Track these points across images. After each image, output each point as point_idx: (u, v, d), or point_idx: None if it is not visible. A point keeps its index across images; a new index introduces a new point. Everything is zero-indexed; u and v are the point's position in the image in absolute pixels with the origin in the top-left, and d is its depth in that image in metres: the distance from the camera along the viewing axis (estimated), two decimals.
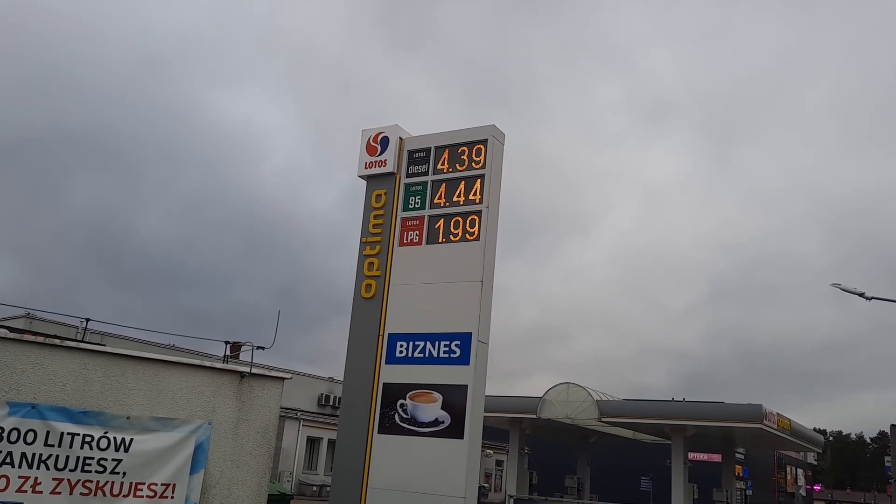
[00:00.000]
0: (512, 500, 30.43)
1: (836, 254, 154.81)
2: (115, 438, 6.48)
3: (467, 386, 9.62)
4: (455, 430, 9.54)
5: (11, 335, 6.23)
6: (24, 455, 6.04)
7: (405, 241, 10.81)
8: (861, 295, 20.01)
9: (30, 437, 6.08)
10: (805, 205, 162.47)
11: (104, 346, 6.94)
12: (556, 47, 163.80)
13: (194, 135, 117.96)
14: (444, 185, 10.77)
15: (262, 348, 7.88)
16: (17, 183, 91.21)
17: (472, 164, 10.60)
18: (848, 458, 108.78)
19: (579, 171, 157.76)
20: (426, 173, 10.97)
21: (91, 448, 6.35)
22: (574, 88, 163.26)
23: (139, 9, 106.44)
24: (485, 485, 43.72)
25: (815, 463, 65.91)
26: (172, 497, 6.76)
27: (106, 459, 6.42)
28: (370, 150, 11.47)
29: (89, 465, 6.33)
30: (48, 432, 6.16)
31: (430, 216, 10.72)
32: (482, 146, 10.57)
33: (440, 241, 10.53)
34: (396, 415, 10.05)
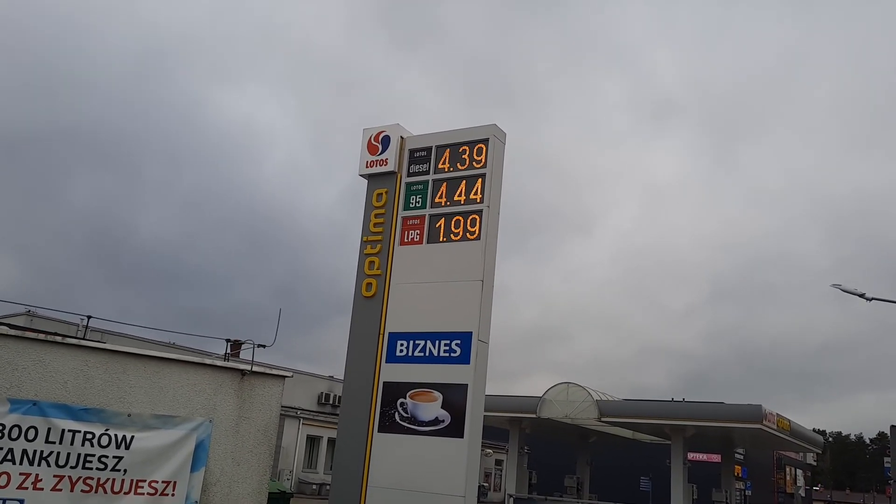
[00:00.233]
0: (511, 499, 30.45)
1: (837, 254, 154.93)
2: (116, 436, 6.49)
3: (467, 385, 9.63)
4: (455, 429, 9.55)
5: (13, 332, 6.24)
6: (25, 452, 6.05)
7: (406, 241, 10.82)
8: (861, 296, 20.02)
9: (31, 434, 6.08)
10: (805, 205, 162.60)
11: (105, 343, 6.95)
12: (558, 46, 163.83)
13: (195, 133, 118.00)
14: (445, 184, 10.78)
15: (263, 346, 7.89)
16: (17, 182, 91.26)
17: (474, 163, 10.60)
18: (847, 458, 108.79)
19: (580, 170, 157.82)
20: (427, 172, 10.98)
21: (92, 445, 6.36)
22: (576, 87, 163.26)
23: (139, 7, 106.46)
24: (484, 484, 43.75)
25: (815, 463, 65.93)
26: (173, 495, 6.77)
27: (107, 457, 6.43)
28: (371, 149, 11.48)
29: (90, 462, 6.34)
30: (49, 429, 6.17)
31: (430, 215, 10.73)
32: (483, 145, 10.58)
33: (441, 240, 10.54)
34: (397, 413, 10.06)
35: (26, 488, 6.02)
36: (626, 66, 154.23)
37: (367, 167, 11.47)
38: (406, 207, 10.99)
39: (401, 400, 10.06)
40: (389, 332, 10.49)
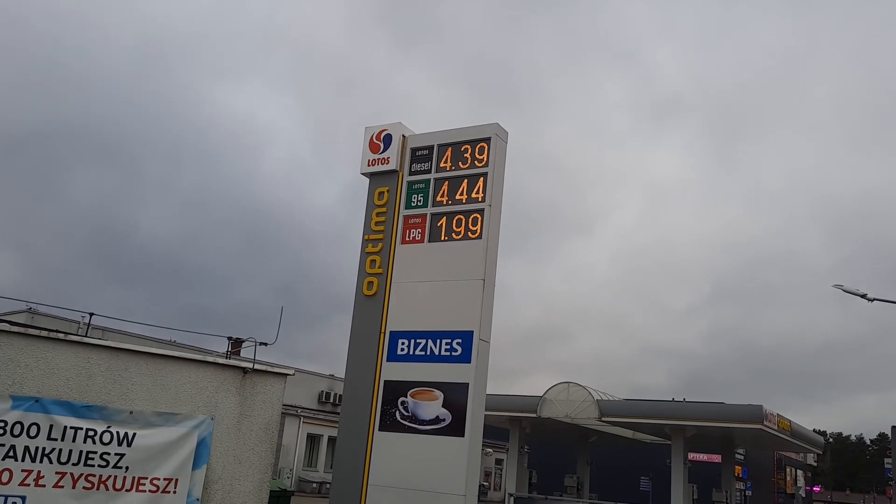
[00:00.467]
0: (511, 498, 30.43)
1: (839, 254, 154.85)
2: (117, 433, 6.50)
3: (468, 384, 9.64)
4: (456, 427, 9.56)
5: (15, 329, 6.26)
6: (27, 449, 6.06)
7: (407, 239, 10.83)
8: (863, 296, 20.00)
9: (33, 431, 6.09)
10: (807, 204, 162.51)
11: (106, 341, 6.96)
12: (559, 45, 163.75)
13: (196, 131, 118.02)
14: (446, 183, 10.78)
15: (265, 344, 7.89)
16: (18, 179, 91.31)
17: (475, 162, 10.61)
18: (848, 459, 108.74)
19: (582, 169, 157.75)
20: (429, 171, 10.99)
21: (94, 442, 6.37)
22: (577, 86, 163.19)
23: (141, 4, 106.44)
24: (484, 483, 43.77)
25: (815, 464, 65.89)
26: (175, 492, 6.78)
27: (109, 454, 6.44)
28: (373, 147, 11.49)
29: (92, 459, 6.35)
30: (51, 426, 6.18)
31: (432, 214, 10.74)
32: (485, 144, 10.59)
33: (442, 239, 10.55)
34: (397, 412, 10.07)
35: (28, 485, 6.03)
36: (628, 66, 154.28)
37: (368, 166, 11.48)
38: (408, 206, 10.99)
39: (402, 399, 10.07)
40: (390, 331, 10.50)
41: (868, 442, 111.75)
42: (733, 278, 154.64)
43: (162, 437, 6.78)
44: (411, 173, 11.15)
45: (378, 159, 11.39)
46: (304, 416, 35.08)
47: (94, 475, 6.35)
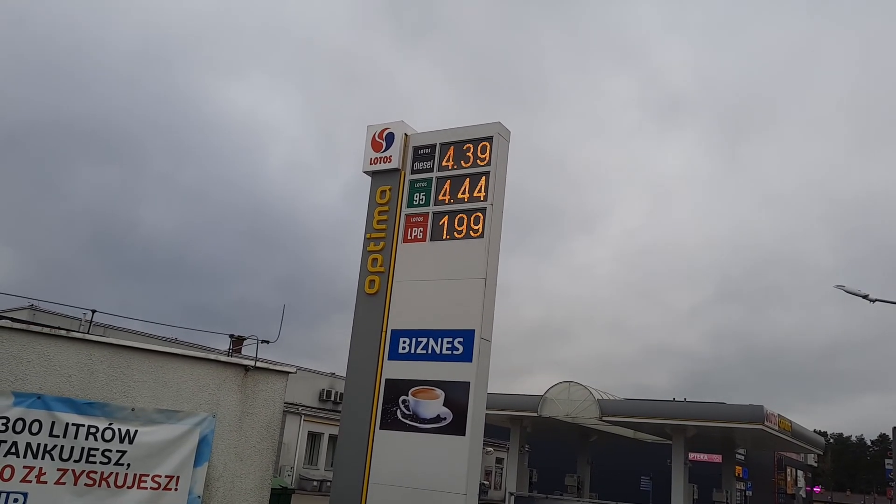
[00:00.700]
0: (512, 497, 30.45)
1: (846, 255, 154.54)
2: (119, 430, 6.51)
3: (469, 383, 9.64)
4: (457, 426, 9.56)
5: (18, 326, 6.27)
6: (28, 445, 6.07)
7: (409, 238, 10.83)
8: (865, 297, 19.99)
9: (35, 428, 6.10)
10: (814, 205, 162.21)
11: (108, 338, 6.97)
12: (566, 42, 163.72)
13: (199, 127, 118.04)
14: (448, 181, 10.79)
15: (268, 342, 7.90)
16: (20, 174, 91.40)
17: (478, 161, 10.61)
18: (848, 460, 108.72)
19: (586, 167, 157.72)
20: (431, 170, 10.99)
21: (96, 439, 6.38)
22: (583, 84, 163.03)
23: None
24: (485, 482, 43.79)
25: (816, 465, 65.87)
26: (176, 489, 6.79)
27: (110, 451, 6.45)
28: (375, 145, 11.49)
29: (94, 455, 6.36)
30: (53, 423, 6.19)
31: (434, 213, 10.74)
32: (487, 143, 10.59)
33: (444, 237, 10.56)
34: (398, 411, 10.07)
35: (30, 482, 6.04)
36: (635, 63, 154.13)
37: (370, 164, 11.48)
38: (410, 205, 11.00)
39: (403, 397, 10.08)
40: (392, 330, 10.50)
41: (869, 443, 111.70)
42: (738, 278, 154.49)
43: (164, 434, 6.79)
44: (413, 172, 11.15)
45: (380, 158, 11.39)
46: (305, 415, 35.11)
47: (96, 472, 6.36)
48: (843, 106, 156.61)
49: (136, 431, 6.62)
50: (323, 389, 40.37)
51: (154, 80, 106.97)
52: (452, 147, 10.90)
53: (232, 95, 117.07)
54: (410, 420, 9.94)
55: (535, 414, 29.55)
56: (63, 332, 6.43)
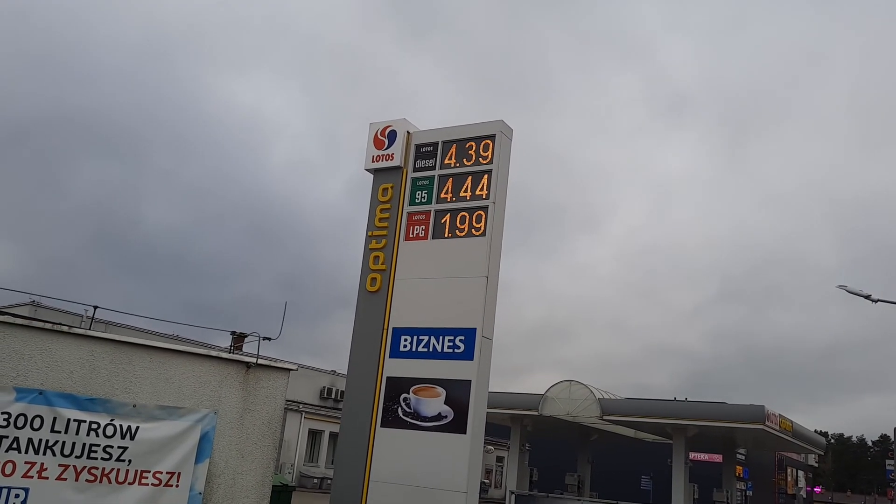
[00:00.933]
0: (512, 496, 30.46)
1: (848, 255, 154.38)
2: (121, 426, 6.51)
3: (471, 381, 9.64)
4: (458, 424, 9.56)
5: (20, 321, 6.27)
6: (30, 441, 6.07)
7: (411, 236, 10.83)
8: (867, 297, 19.96)
9: (36, 423, 6.10)
10: (817, 205, 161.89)
11: (110, 334, 6.97)
12: (569, 40, 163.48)
13: (201, 123, 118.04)
14: (450, 179, 10.78)
15: (269, 339, 7.90)
16: (21, 169, 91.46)
17: (480, 159, 10.61)
18: (849, 460, 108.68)
19: (589, 165, 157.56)
20: (433, 168, 10.99)
21: (97, 435, 6.38)
22: (586, 82, 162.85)
23: None
24: (485, 480, 43.81)
25: (816, 465, 65.84)
26: (177, 485, 6.79)
27: (112, 447, 6.45)
28: (377, 143, 11.49)
29: (95, 451, 6.36)
30: (55, 418, 6.19)
31: (436, 211, 10.74)
32: (490, 141, 10.58)
33: (446, 235, 10.55)
34: (399, 409, 10.07)
35: (31, 477, 6.04)
36: (638, 62, 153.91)
37: (373, 162, 11.48)
38: (412, 203, 10.99)
39: (404, 395, 10.08)
40: (393, 328, 10.51)
41: (870, 443, 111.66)
42: (739, 278, 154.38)
43: (165, 430, 6.79)
44: (416, 170, 11.15)
45: (382, 155, 11.39)
46: (306, 412, 35.14)
47: (97, 468, 6.37)
48: (846, 105, 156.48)
49: (138, 428, 6.62)
50: (324, 387, 40.42)
51: (156, 75, 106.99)
52: (455, 145, 10.89)
53: (235, 91, 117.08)
54: (411, 418, 9.94)
55: (535, 413, 29.57)
56: (65, 328, 6.43)
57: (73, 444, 6.26)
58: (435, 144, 11.08)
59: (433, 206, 10.78)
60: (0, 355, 5.99)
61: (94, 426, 6.37)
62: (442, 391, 9.82)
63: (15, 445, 6.00)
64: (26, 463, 6.03)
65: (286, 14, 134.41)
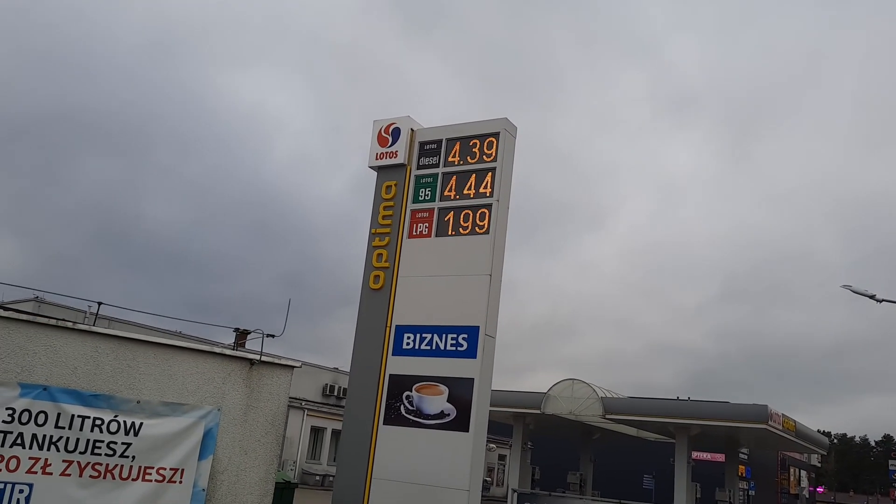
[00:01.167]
0: (514, 494, 30.46)
1: (853, 254, 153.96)
2: (124, 422, 6.53)
3: (473, 379, 9.64)
4: (461, 422, 9.56)
5: (24, 317, 6.28)
6: (34, 436, 6.09)
7: (414, 233, 10.82)
8: (871, 297, 19.91)
9: (41, 419, 6.13)
10: (822, 204, 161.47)
11: (114, 330, 6.98)
12: (574, 37, 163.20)
13: (204, 119, 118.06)
14: (454, 177, 10.77)
15: (273, 336, 7.91)
16: (24, 165, 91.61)
17: (484, 157, 10.59)
18: (852, 460, 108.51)
19: (594, 163, 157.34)
20: (437, 165, 10.98)
21: (101, 431, 6.40)
22: (593, 79, 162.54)
23: None
24: (487, 479, 43.84)
25: (819, 465, 65.73)
26: (181, 482, 6.81)
27: (115, 443, 6.47)
28: (381, 140, 11.48)
29: (99, 447, 6.38)
30: (59, 414, 6.21)
31: (439, 208, 10.72)
32: (494, 139, 10.57)
33: (449, 233, 10.54)
34: (402, 406, 10.07)
35: (35, 473, 6.06)
36: (644, 60, 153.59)
37: (376, 159, 11.47)
38: (415, 200, 10.98)
39: (407, 393, 10.08)
40: (396, 325, 10.50)
41: (872, 443, 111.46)
42: (743, 277, 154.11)
43: (169, 426, 6.81)
44: (419, 167, 11.14)
45: (386, 153, 11.38)
46: (308, 409, 35.18)
47: (101, 464, 6.38)
48: (851, 105, 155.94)
49: (142, 424, 6.63)
50: (326, 384, 40.44)
51: (159, 72, 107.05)
52: (459, 143, 10.88)
53: (237, 88, 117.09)
54: (414, 416, 9.94)
55: (538, 411, 29.55)
56: (69, 324, 6.45)
57: (77, 439, 6.28)
58: (439, 142, 11.06)
59: (437, 204, 10.77)
60: (4, 351, 6.00)
61: (97, 422, 6.39)
62: (445, 389, 9.82)
63: (19, 441, 6.02)
64: (30, 458, 6.05)
65: (289, 10, 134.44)
